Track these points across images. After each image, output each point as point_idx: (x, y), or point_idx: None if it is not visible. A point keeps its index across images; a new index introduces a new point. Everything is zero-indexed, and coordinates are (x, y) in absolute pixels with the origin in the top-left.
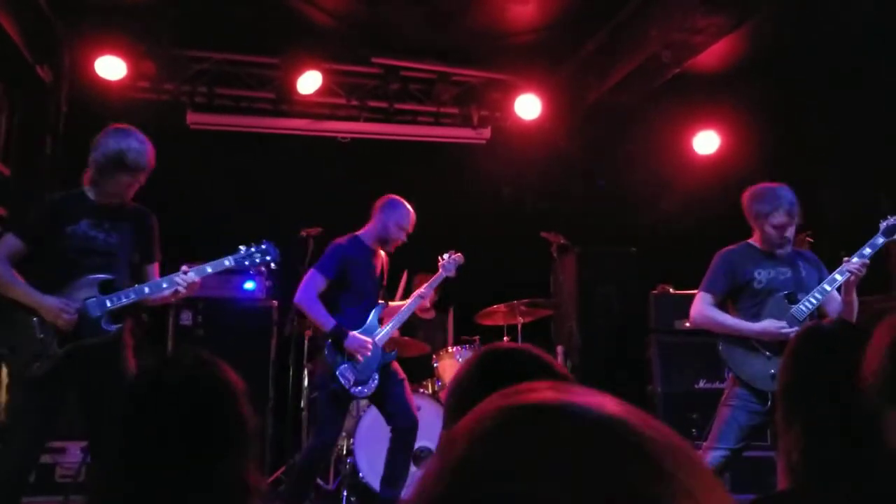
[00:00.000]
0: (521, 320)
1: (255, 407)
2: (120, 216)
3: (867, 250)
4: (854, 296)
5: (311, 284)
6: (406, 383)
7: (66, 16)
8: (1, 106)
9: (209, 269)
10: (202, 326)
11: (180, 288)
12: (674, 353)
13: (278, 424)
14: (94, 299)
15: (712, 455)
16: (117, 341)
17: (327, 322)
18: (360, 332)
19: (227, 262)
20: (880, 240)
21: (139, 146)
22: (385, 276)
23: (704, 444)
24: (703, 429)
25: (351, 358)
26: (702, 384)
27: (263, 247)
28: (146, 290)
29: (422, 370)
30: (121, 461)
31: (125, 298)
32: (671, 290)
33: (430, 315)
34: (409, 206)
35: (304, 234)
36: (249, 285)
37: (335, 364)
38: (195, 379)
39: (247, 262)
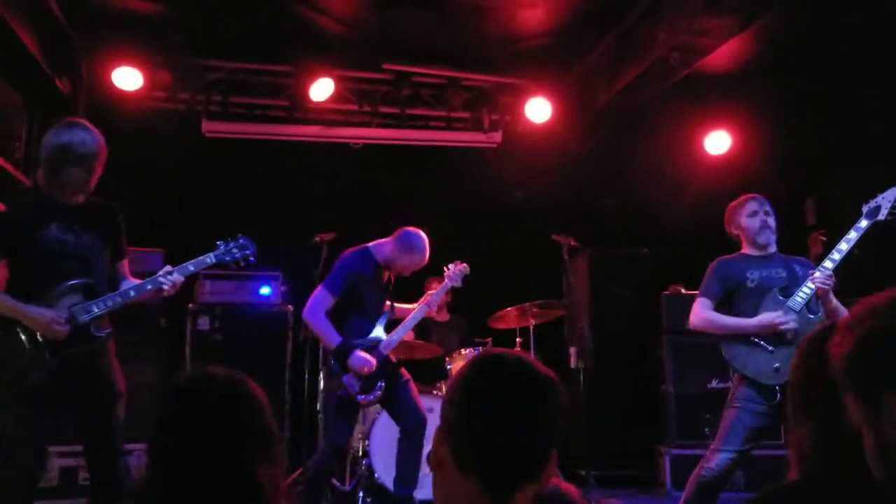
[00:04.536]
0: (532, 322)
1: (273, 411)
2: (88, 215)
3: (852, 234)
4: (833, 304)
5: (319, 302)
6: (411, 384)
7: (83, 28)
8: (21, 118)
9: (192, 268)
10: (219, 331)
11: (165, 286)
12: (686, 354)
13: (295, 427)
14: (80, 305)
15: (719, 457)
16: (103, 346)
17: (333, 340)
18: (364, 341)
19: (209, 259)
20: (864, 222)
21: (84, 134)
22: (392, 283)
23: (711, 445)
24: (715, 429)
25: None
26: (714, 384)
27: (241, 241)
28: (132, 293)
29: (435, 372)
30: (155, 472)
31: (111, 303)
32: (683, 290)
33: (444, 318)
34: (426, 249)
35: (317, 239)
36: (265, 290)
37: (341, 373)
38: (227, 392)
39: (227, 258)
